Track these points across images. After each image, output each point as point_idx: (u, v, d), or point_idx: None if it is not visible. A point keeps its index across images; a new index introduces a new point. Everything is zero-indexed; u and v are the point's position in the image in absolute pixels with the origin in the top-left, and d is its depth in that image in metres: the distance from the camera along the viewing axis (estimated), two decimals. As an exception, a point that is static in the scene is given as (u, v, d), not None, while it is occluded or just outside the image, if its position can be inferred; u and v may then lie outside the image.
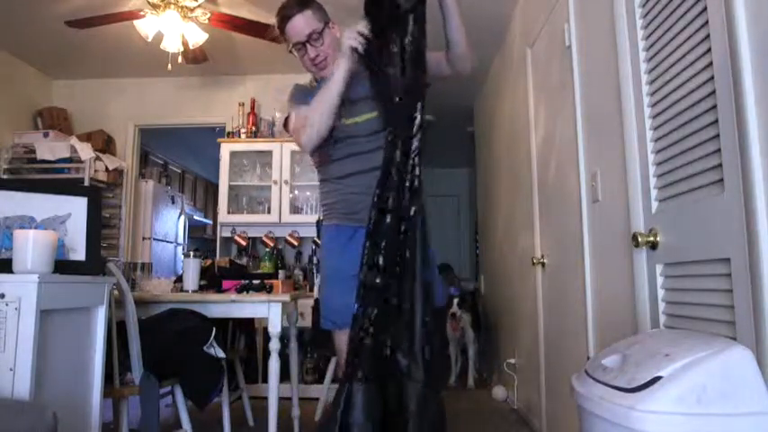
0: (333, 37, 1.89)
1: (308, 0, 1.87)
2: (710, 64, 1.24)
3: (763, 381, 1.01)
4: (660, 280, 1.49)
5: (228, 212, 4.39)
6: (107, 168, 4.46)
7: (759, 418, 0.97)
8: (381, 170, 1.58)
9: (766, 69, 1.10)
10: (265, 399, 2.50)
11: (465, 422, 3.39)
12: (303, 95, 1.90)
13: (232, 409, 2.85)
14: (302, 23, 1.84)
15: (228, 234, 4.44)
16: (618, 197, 1.83)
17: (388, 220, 1.54)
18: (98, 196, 1.99)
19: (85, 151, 4.24)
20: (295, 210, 4.38)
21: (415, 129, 1.58)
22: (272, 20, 3.54)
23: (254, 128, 4.47)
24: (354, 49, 1.72)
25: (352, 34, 1.72)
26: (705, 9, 1.26)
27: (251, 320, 3.44)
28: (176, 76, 4.49)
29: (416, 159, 1.57)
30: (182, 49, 3.35)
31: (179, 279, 2.73)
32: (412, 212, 1.55)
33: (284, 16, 1.86)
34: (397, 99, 1.62)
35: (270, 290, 2.49)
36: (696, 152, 1.30)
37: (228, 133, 4.55)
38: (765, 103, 1.09)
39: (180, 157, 7.08)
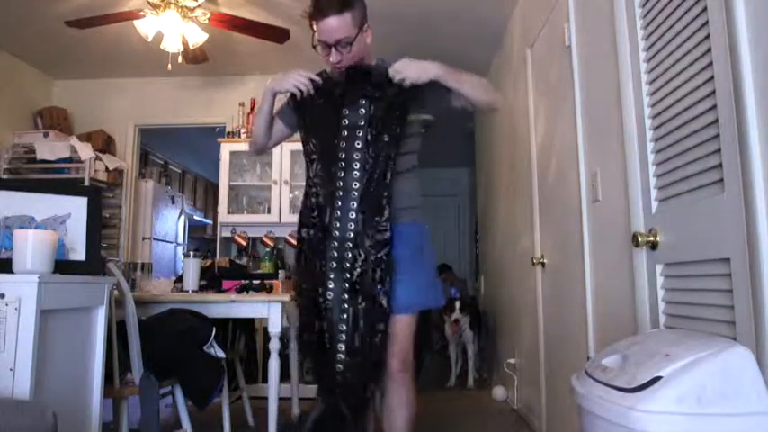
0: (363, 43, 1.78)
1: (352, 1, 1.72)
2: (710, 64, 1.24)
3: (763, 381, 1.01)
4: (660, 280, 1.49)
5: (228, 212, 4.39)
6: (107, 168, 4.46)
7: (759, 418, 0.97)
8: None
9: (766, 69, 1.10)
10: (265, 399, 2.50)
11: (465, 422, 3.39)
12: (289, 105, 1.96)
13: (232, 409, 2.85)
14: (336, 26, 1.69)
15: (228, 234, 4.44)
16: (618, 197, 1.83)
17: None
18: (98, 196, 1.99)
19: (85, 151, 4.24)
20: (295, 210, 4.37)
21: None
22: (271, 20, 3.57)
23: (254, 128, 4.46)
24: (291, 94, 1.82)
25: (300, 78, 1.77)
26: (705, 9, 1.26)
27: (251, 320, 3.45)
28: (176, 76, 4.49)
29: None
30: (182, 49, 3.35)
31: (179, 279, 2.73)
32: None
33: (321, 11, 1.69)
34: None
35: (270, 290, 2.50)
36: (696, 152, 1.30)
37: (228, 133, 4.55)
38: (765, 103, 1.09)
39: (180, 157, 7.08)
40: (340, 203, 1.74)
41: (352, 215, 1.73)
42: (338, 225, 1.74)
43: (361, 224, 1.72)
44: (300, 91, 1.78)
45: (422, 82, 1.71)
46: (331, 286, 1.73)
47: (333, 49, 1.73)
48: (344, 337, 1.72)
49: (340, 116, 1.76)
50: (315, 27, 1.73)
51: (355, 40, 1.73)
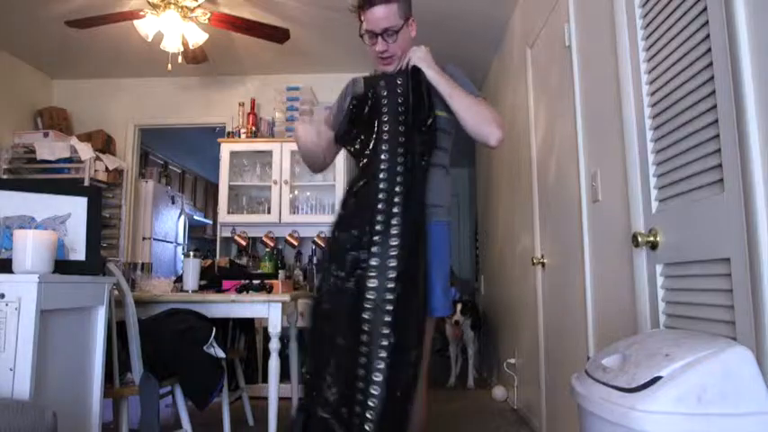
0: (407, 35, 1.84)
1: None
2: (710, 64, 1.24)
3: (763, 381, 1.01)
4: (660, 280, 1.49)
5: (228, 212, 4.39)
6: (107, 168, 4.46)
7: (759, 418, 0.97)
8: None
9: (766, 69, 1.10)
10: (265, 399, 2.50)
11: (465, 422, 3.39)
12: (337, 102, 1.96)
13: (232, 409, 2.85)
14: (384, 15, 1.76)
15: (228, 234, 4.44)
16: (618, 197, 1.83)
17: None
18: (98, 196, 1.99)
19: (85, 151, 4.24)
20: (295, 210, 4.38)
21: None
22: (271, 20, 3.57)
23: (254, 128, 4.47)
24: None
25: (323, 113, 1.78)
26: (705, 9, 1.26)
27: (251, 320, 3.45)
28: (176, 76, 4.49)
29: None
30: (182, 49, 3.35)
31: (179, 279, 2.73)
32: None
33: (370, 1, 1.76)
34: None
35: (270, 290, 2.50)
36: (696, 152, 1.30)
37: (228, 133, 4.55)
38: (765, 103, 1.09)
39: (180, 157, 7.08)
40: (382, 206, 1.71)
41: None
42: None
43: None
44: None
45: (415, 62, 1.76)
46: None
47: (379, 38, 1.79)
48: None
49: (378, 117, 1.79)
50: (362, 17, 1.79)
51: (401, 31, 1.79)
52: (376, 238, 1.64)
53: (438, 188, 1.80)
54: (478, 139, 1.81)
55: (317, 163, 1.99)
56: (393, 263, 1.61)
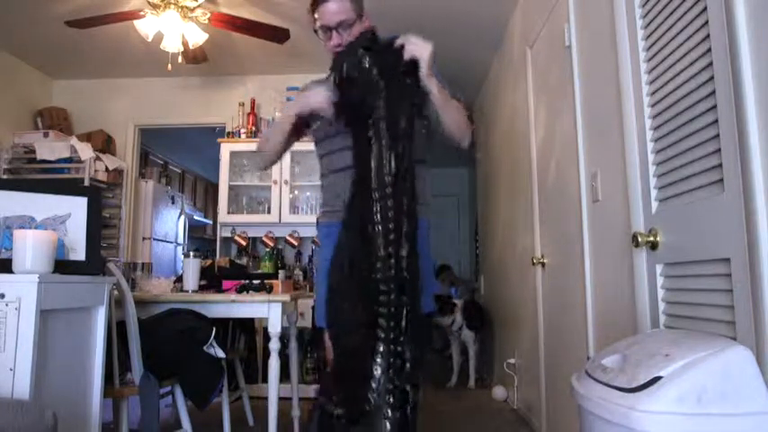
0: (363, 29, 1.82)
1: None
2: (710, 64, 1.24)
3: (763, 381, 1.01)
4: (660, 280, 1.49)
5: (228, 212, 4.39)
6: (107, 168, 4.46)
7: (759, 418, 0.97)
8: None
9: (766, 69, 1.10)
10: (265, 399, 2.50)
11: (465, 422, 3.39)
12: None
13: (232, 409, 2.85)
14: (337, 9, 1.78)
15: (228, 234, 4.44)
16: (618, 197, 1.83)
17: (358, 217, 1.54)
18: (98, 196, 1.99)
19: (85, 151, 4.24)
20: (295, 210, 4.38)
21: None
22: (271, 20, 3.57)
23: (254, 128, 4.47)
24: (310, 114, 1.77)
25: (318, 97, 1.70)
26: (705, 9, 1.26)
27: (251, 320, 3.44)
28: (176, 76, 4.49)
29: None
30: (182, 49, 3.35)
31: (179, 279, 2.73)
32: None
33: None
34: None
35: (270, 290, 2.49)
36: (696, 152, 1.30)
37: (228, 133, 4.55)
38: (765, 103, 1.09)
39: (180, 157, 7.08)
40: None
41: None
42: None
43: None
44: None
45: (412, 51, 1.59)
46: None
47: (334, 33, 1.81)
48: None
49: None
50: (316, 14, 1.81)
51: (354, 24, 1.80)
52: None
53: (420, 185, 1.73)
54: (451, 138, 1.83)
55: (274, 161, 2.03)
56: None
